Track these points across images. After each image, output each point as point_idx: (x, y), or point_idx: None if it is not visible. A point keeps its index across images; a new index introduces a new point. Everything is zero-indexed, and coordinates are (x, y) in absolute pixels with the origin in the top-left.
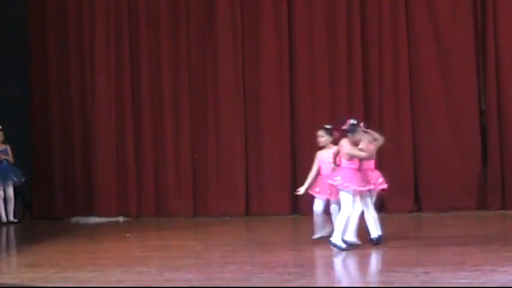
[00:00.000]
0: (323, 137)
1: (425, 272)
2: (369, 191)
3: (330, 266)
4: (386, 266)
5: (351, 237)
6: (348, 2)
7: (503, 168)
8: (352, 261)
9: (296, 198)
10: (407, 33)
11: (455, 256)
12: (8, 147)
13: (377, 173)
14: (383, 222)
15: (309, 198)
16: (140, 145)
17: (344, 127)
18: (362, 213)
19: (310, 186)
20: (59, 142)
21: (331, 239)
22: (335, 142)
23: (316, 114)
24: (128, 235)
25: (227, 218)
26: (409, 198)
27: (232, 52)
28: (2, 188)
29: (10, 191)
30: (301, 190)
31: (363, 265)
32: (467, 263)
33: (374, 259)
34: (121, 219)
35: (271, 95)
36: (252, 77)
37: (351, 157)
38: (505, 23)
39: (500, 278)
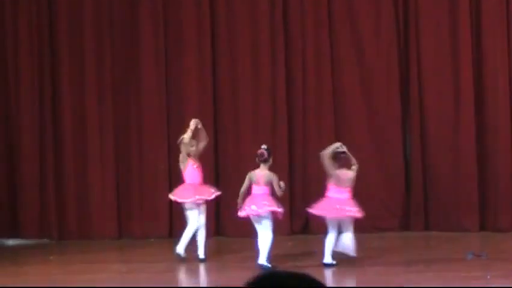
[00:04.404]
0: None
1: None
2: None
3: None
4: None
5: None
6: (271, 23)
7: (426, 189)
8: None
9: (220, 219)
10: (330, 55)
11: (379, 276)
12: None
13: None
14: (307, 243)
15: (231, 220)
16: (61, 165)
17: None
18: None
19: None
20: None
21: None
22: None
23: (239, 136)
24: (51, 258)
25: (152, 239)
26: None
27: (155, 71)
28: None
29: None
30: None
31: None
32: (391, 283)
33: None
34: (44, 241)
35: (195, 115)
36: (175, 97)
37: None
38: (427, 41)
39: None
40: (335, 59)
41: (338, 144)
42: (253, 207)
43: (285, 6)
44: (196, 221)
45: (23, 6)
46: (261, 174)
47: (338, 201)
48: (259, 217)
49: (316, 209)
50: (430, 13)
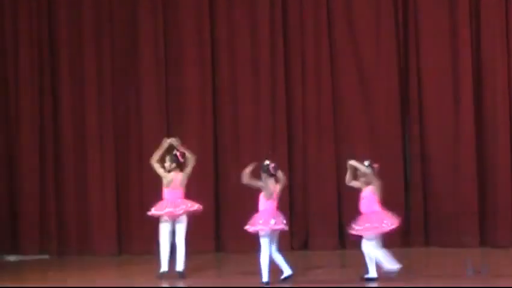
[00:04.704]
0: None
1: None
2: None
3: None
4: None
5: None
6: (270, 25)
7: (426, 206)
8: None
9: (220, 235)
10: (330, 56)
11: None
12: None
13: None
14: (308, 260)
15: (232, 232)
16: (61, 181)
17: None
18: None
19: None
20: None
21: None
22: None
23: (239, 138)
24: (50, 273)
25: (151, 256)
26: (333, 235)
27: (155, 82)
28: None
29: None
30: None
31: None
32: None
33: None
34: (44, 257)
35: (194, 127)
36: (175, 108)
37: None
38: (427, 42)
39: None
40: (334, 60)
41: (353, 162)
42: (273, 221)
43: (284, 7)
44: (170, 235)
45: (23, 6)
46: (276, 189)
47: (377, 217)
48: (274, 231)
49: (357, 229)
50: (430, 13)
